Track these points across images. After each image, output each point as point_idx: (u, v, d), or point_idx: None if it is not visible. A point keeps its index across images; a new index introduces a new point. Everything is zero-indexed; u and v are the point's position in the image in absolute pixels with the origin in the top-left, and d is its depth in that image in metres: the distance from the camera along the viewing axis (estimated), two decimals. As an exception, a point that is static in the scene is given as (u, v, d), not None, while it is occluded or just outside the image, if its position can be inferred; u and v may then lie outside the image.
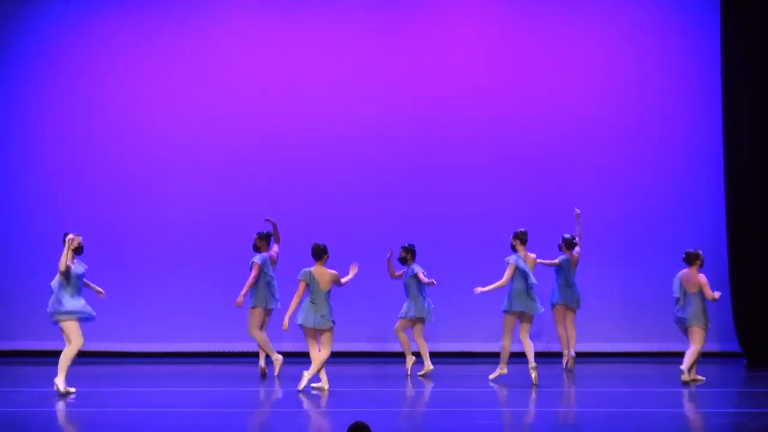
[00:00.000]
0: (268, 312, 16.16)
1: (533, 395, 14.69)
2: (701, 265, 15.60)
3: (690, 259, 15.59)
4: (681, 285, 15.56)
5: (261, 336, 16.04)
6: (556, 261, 16.85)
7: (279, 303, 16.10)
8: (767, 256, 17.95)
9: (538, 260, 16.05)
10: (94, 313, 14.10)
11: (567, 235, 17.05)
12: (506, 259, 15.42)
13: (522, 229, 15.53)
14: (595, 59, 18.86)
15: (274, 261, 16.28)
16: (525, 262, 15.37)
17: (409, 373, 16.34)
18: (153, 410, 13.28)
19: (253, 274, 15.95)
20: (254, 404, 14.27)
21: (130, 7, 18.88)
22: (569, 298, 16.95)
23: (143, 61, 18.86)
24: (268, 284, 16.04)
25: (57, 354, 14.30)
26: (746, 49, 18.03)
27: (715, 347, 18.32)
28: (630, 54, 18.84)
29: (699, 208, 18.69)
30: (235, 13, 18.91)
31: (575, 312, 17.04)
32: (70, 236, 14.06)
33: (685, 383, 15.27)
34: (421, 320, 16.46)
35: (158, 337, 18.59)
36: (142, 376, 16.68)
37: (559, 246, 17.06)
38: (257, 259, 16.04)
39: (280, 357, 15.99)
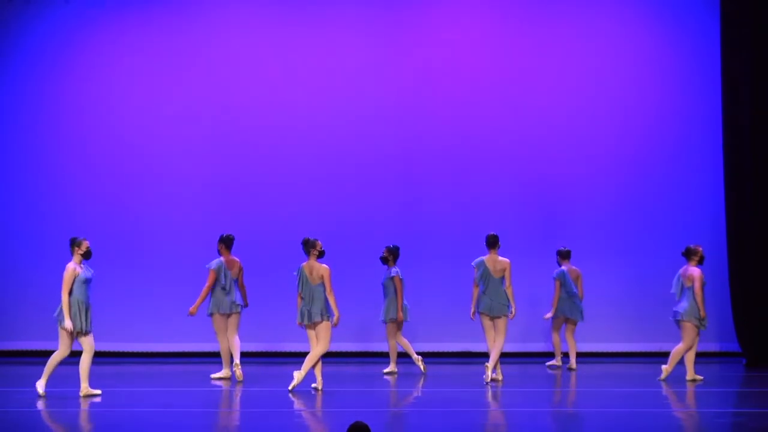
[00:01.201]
0: (230, 316, 15.97)
1: (527, 395, 14.70)
2: (699, 261, 15.59)
3: (688, 254, 15.63)
4: (678, 279, 15.60)
5: (222, 344, 16.02)
6: (555, 292, 16.93)
7: (239, 306, 15.96)
8: (766, 255, 17.93)
9: (548, 317, 16.79)
10: (85, 328, 14.04)
11: (561, 248, 17.13)
12: (472, 263, 15.58)
13: (491, 233, 15.59)
14: (595, 58, 18.82)
15: (233, 266, 16.08)
16: (486, 264, 15.43)
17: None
18: (149, 410, 13.28)
19: (208, 282, 15.89)
20: (252, 404, 14.26)
21: (130, 8, 18.89)
22: (568, 310, 16.98)
23: (144, 61, 18.88)
24: (222, 289, 15.93)
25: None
26: (745, 47, 17.99)
27: (714, 347, 18.33)
28: (629, 53, 18.81)
29: (698, 207, 18.66)
30: (232, 16, 18.93)
31: (575, 324, 17.04)
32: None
33: (662, 381, 15.40)
34: (400, 321, 16.47)
35: (157, 337, 18.60)
36: (140, 376, 16.68)
37: (557, 260, 17.15)
38: (212, 264, 15.98)
39: (230, 374, 15.94)
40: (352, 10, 18.94)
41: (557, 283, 16.94)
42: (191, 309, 15.89)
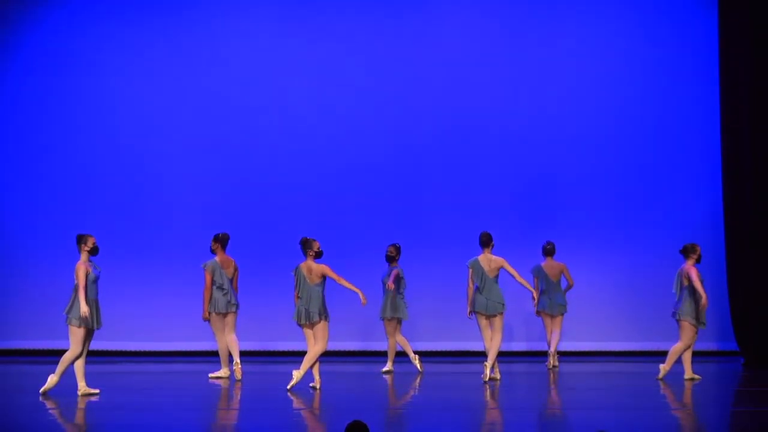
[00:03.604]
0: (227, 315, 15.92)
1: (526, 394, 14.71)
2: (697, 260, 15.55)
3: (686, 252, 15.59)
4: (677, 278, 15.60)
5: (221, 343, 16.01)
6: (534, 280, 16.95)
7: (236, 305, 15.93)
8: (765, 254, 17.93)
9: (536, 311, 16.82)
10: (96, 326, 14.02)
11: (545, 243, 17.13)
12: (466, 263, 15.57)
13: (484, 232, 15.55)
14: (593, 57, 18.86)
15: (228, 265, 16.02)
16: (481, 263, 15.40)
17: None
18: (147, 410, 13.29)
19: (206, 283, 15.86)
20: (250, 403, 14.28)
21: (132, 9, 18.95)
22: (546, 305, 17.01)
23: (145, 61, 18.99)
24: (219, 288, 15.88)
25: (62, 353, 14.25)
26: (744, 46, 18.00)
27: (712, 346, 18.35)
28: (627, 50, 18.85)
29: (696, 206, 18.69)
30: (232, 18, 19.03)
31: (560, 316, 17.05)
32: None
33: (660, 379, 15.38)
34: (398, 319, 16.46)
35: (156, 336, 18.63)
36: (139, 375, 16.70)
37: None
38: (207, 264, 15.93)
39: (229, 372, 15.92)
40: (350, 11, 18.96)
41: (535, 279, 17.01)
42: (203, 315, 15.91)
